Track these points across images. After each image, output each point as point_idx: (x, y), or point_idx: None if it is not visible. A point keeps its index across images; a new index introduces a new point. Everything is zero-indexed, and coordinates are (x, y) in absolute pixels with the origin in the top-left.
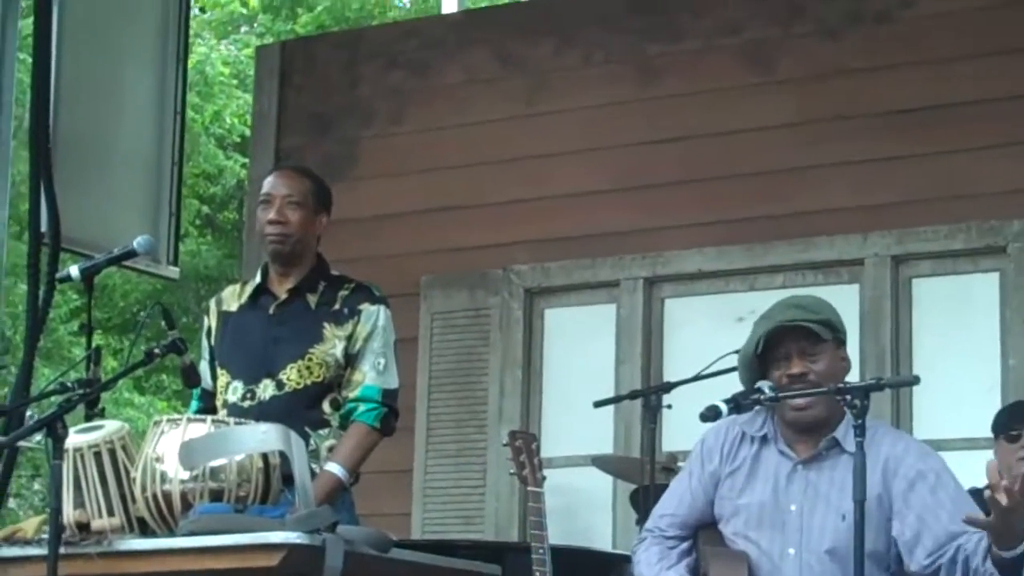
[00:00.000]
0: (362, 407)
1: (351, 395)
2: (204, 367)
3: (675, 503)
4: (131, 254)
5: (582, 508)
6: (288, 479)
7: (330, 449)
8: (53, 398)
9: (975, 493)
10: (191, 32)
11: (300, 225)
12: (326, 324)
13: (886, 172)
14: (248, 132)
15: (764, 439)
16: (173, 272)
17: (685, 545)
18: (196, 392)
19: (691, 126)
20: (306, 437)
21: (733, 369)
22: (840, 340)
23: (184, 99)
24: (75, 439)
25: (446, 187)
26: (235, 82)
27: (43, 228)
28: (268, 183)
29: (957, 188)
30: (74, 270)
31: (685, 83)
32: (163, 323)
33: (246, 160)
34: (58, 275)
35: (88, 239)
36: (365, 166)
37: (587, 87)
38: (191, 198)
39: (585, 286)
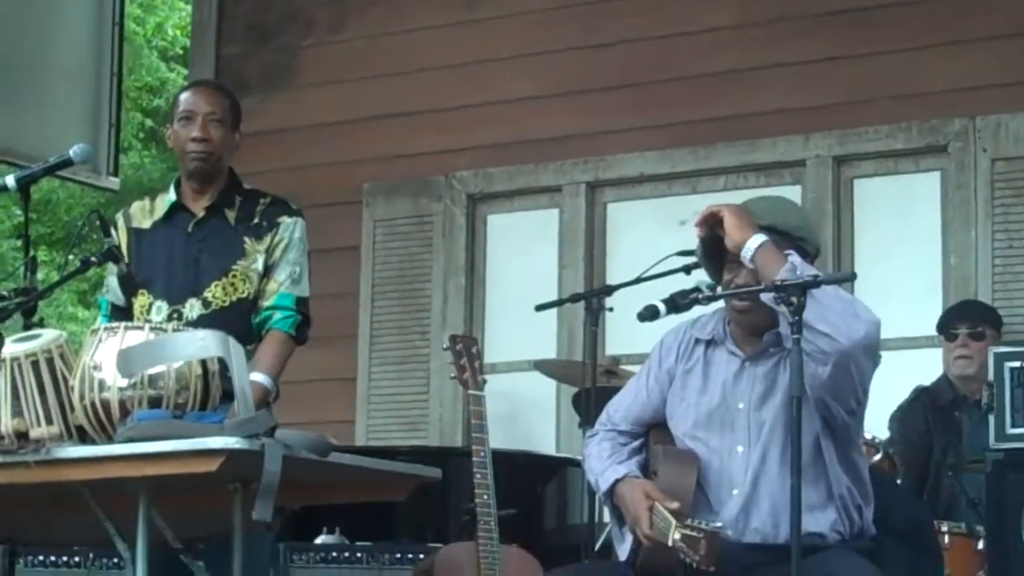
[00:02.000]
0: (278, 315)
1: (266, 303)
2: (112, 281)
3: (630, 398)
4: (67, 163)
5: (525, 412)
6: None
7: None
8: None
9: (921, 391)
10: None
11: (221, 142)
12: (246, 239)
13: (827, 73)
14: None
15: (714, 341)
16: (113, 183)
17: (636, 443)
18: (104, 306)
19: (632, 30)
20: None
21: (675, 271)
22: (798, 247)
23: (123, 9)
24: (12, 348)
25: (387, 95)
26: None
27: None
28: (188, 100)
29: (897, 88)
30: (10, 179)
31: None
32: (101, 233)
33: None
34: None
35: (26, 151)
36: (305, 75)
37: None
38: (134, 111)
39: (527, 191)
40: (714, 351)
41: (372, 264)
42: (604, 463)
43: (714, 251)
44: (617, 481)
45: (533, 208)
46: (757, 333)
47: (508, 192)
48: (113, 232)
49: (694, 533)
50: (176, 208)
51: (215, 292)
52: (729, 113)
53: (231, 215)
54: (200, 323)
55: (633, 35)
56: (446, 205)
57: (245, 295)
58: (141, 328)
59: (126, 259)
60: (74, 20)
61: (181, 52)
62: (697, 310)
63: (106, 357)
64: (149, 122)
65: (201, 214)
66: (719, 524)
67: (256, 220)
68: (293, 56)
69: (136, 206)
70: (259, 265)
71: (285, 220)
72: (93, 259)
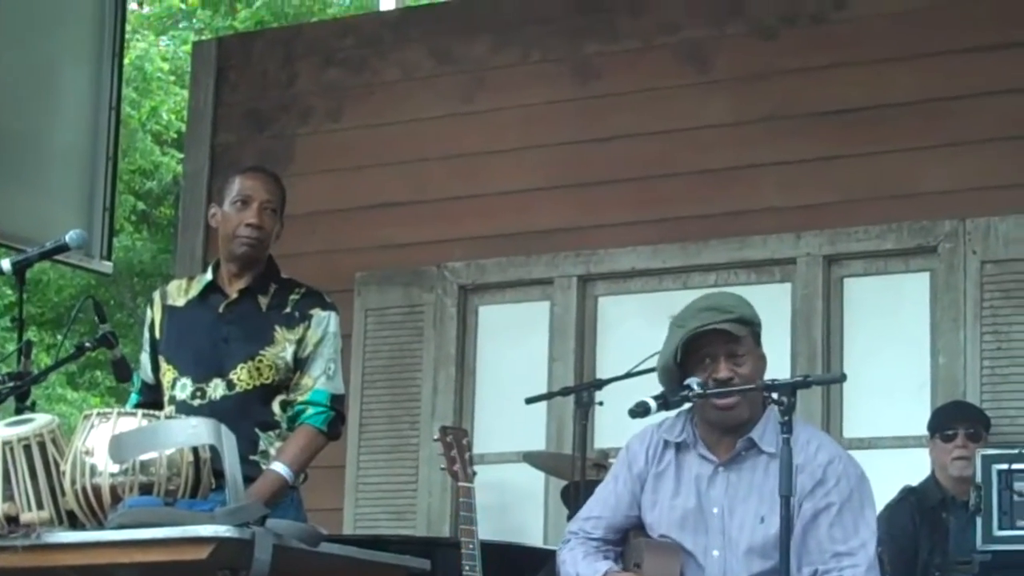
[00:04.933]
0: (311, 410)
1: (300, 398)
2: (145, 359)
3: (600, 506)
4: (63, 248)
5: (514, 504)
6: (219, 474)
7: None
8: None
9: (909, 491)
10: (130, 28)
11: (271, 231)
12: (277, 327)
13: (819, 172)
14: (184, 129)
15: (684, 444)
16: (106, 267)
17: (608, 549)
18: (136, 385)
19: (627, 125)
20: (256, 438)
21: None
22: (756, 334)
23: (119, 94)
24: (4, 432)
25: (382, 184)
26: (173, 78)
27: None
28: (247, 185)
29: (889, 188)
30: (5, 263)
31: (622, 82)
32: (95, 317)
33: (182, 156)
34: None
35: (21, 234)
36: (301, 163)
37: (524, 85)
38: (127, 194)
39: (519, 283)
40: (685, 455)
41: (363, 353)
42: (580, 564)
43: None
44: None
45: (524, 300)
46: (729, 433)
47: (500, 284)
48: (103, 318)
49: None
50: (211, 288)
51: (240, 375)
52: (721, 210)
53: (264, 301)
54: (223, 404)
55: (629, 131)
56: (438, 295)
57: (270, 381)
58: (133, 414)
59: (119, 345)
60: (71, 103)
61: (175, 136)
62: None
63: (98, 442)
64: (141, 205)
65: (234, 296)
66: None
67: (288, 309)
68: (289, 143)
69: (173, 284)
70: (287, 355)
71: (319, 313)
72: (87, 344)
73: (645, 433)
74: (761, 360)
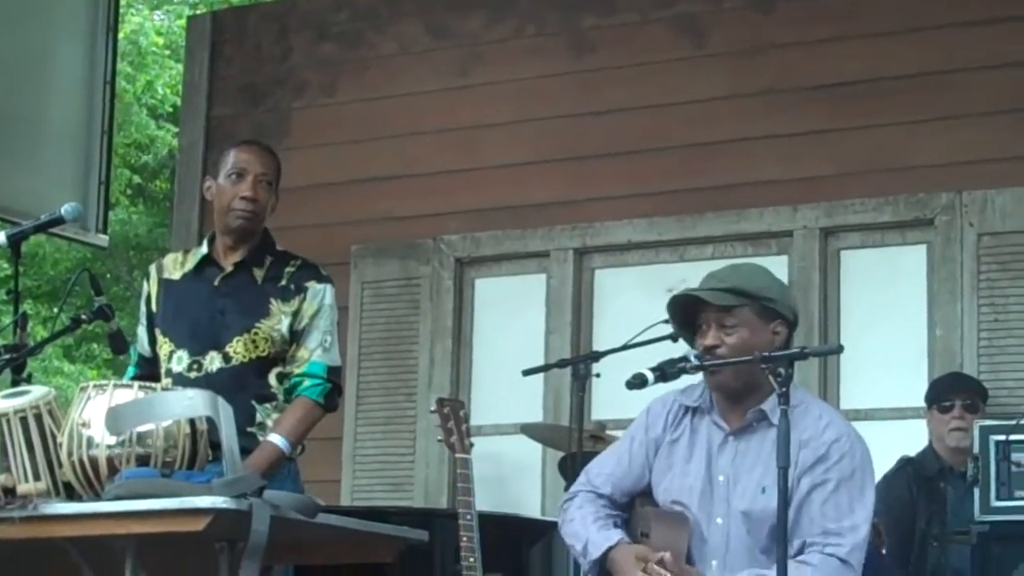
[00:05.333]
0: (307, 382)
1: (297, 370)
2: (141, 332)
3: (613, 462)
4: (58, 221)
5: (511, 476)
6: (216, 446)
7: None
8: None
9: (906, 461)
10: (124, 2)
11: (266, 204)
12: (272, 299)
13: (815, 145)
14: (180, 103)
15: (701, 410)
16: (102, 240)
17: (617, 512)
18: (133, 358)
19: (623, 98)
20: (253, 410)
21: (662, 339)
22: (767, 308)
23: (114, 69)
24: (1, 404)
25: (377, 157)
26: (168, 52)
27: None
28: (241, 158)
29: (885, 161)
30: (0, 236)
31: (617, 56)
32: (91, 290)
33: (177, 130)
34: None
35: (17, 207)
36: (296, 136)
37: (519, 59)
38: (122, 168)
39: (515, 256)
40: (700, 420)
41: (359, 325)
42: (590, 528)
43: (686, 321)
44: (611, 548)
45: (521, 273)
46: (738, 402)
47: (496, 256)
48: (99, 290)
49: None
50: (206, 261)
51: (236, 347)
52: (718, 183)
53: (259, 273)
54: (220, 375)
55: (624, 104)
56: (434, 268)
57: (266, 354)
58: (130, 386)
59: (116, 318)
60: (66, 77)
61: (171, 110)
62: (685, 378)
63: (95, 414)
64: (137, 179)
65: (229, 269)
66: None
67: (284, 282)
68: (284, 117)
69: (169, 257)
70: (283, 327)
71: (314, 286)
72: (83, 317)
73: (667, 398)
74: (774, 335)
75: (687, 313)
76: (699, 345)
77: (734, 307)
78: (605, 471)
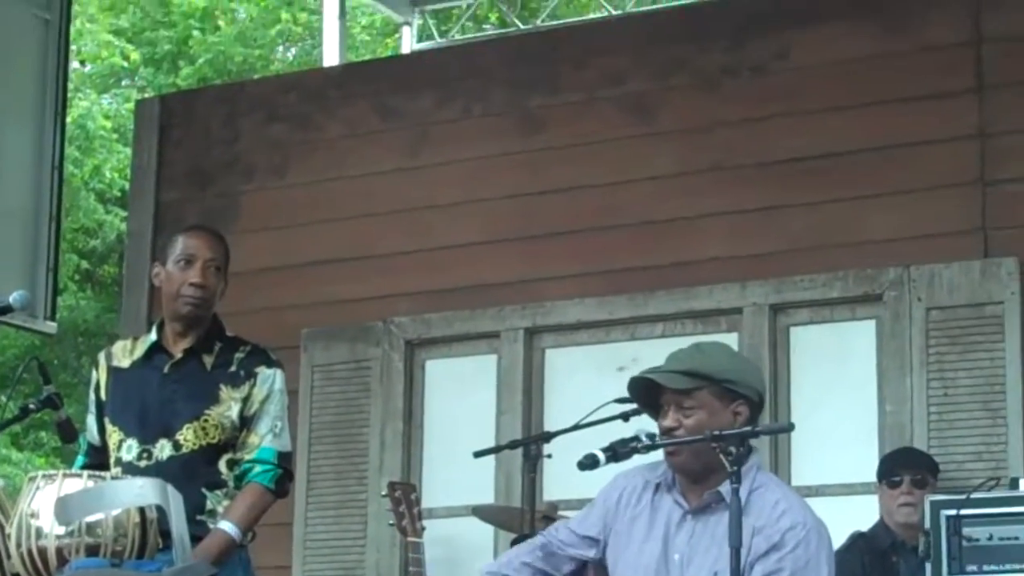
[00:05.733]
0: (258, 468)
1: (247, 456)
2: (91, 421)
3: (579, 518)
4: (7, 309)
5: (464, 558)
6: (166, 535)
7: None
8: None
9: (858, 536)
10: (72, 86)
11: (215, 289)
12: (222, 386)
13: (764, 221)
14: (128, 187)
15: (663, 486)
16: (50, 327)
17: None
18: (83, 447)
19: (572, 177)
20: (203, 497)
21: (613, 418)
22: (726, 389)
23: (63, 153)
24: None
25: (327, 240)
26: (116, 136)
27: None
28: (190, 243)
29: (834, 237)
30: None
31: (566, 135)
32: (40, 378)
33: (126, 214)
34: None
35: None
36: (246, 219)
37: (468, 139)
38: (70, 252)
39: (466, 337)
40: (662, 497)
41: (310, 409)
42: (498, 562)
43: (649, 401)
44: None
45: (471, 354)
46: (698, 482)
47: (446, 338)
48: (48, 379)
49: None
50: (155, 349)
51: (187, 435)
52: (667, 261)
53: (208, 360)
54: (170, 464)
55: (573, 182)
56: (384, 350)
57: (216, 440)
58: (79, 475)
59: (64, 407)
60: (13, 162)
61: (119, 194)
62: (638, 457)
63: (44, 504)
64: (85, 264)
65: (179, 356)
66: None
67: (234, 368)
68: (233, 201)
69: (118, 345)
70: (233, 413)
71: (264, 371)
72: (32, 406)
73: (630, 473)
74: (735, 416)
75: (649, 393)
76: (659, 426)
77: (692, 390)
78: (572, 522)
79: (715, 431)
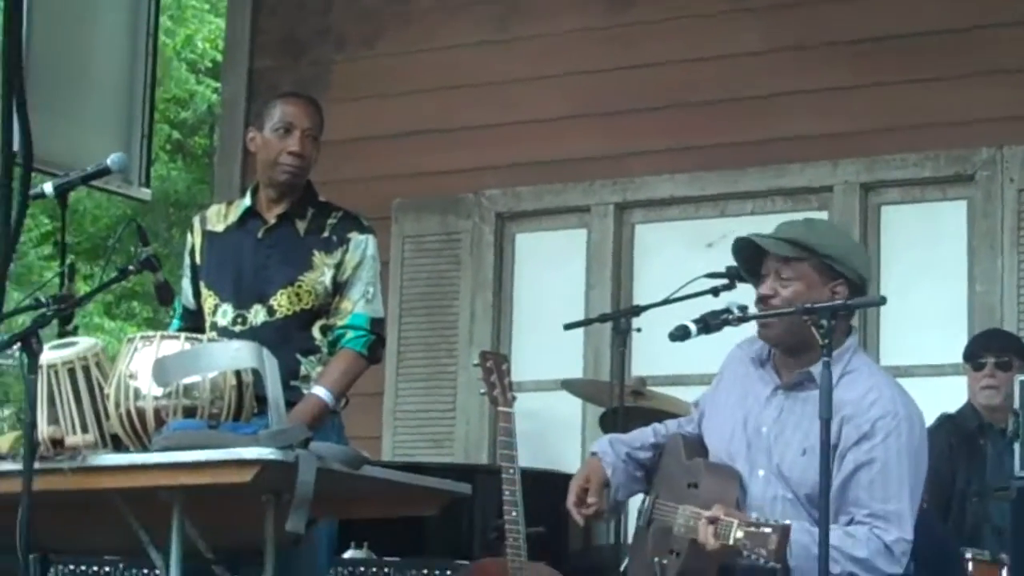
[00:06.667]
0: (351, 334)
1: (340, 322)
2: (186, 284)
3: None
4: (105, 171)
5: (552, 431)
6: (261, 399)
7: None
8: (26, 315)
9: (945, 418)
10: None
11: (312, 158)
12: (315, 251)
13: (855, 100)
14: (220, 57)
15: (759, 361)
16: (145, 193)
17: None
18: (177, 310)
19: (662, 53)
20: (297, 363)
21: (703, 293)
22: (826, 265)
23: (157, 22)
24: (49, 355)
25: (418, 111)
26: (207, 7)
27: (15, 148)
28: (289, 111)
29: (926, 117)
30: (48, 187)
31: (655, 10)
32: (136, 243)
33: (217, 85)
34: (31, 192)
35: (61, 161)
36: (338, 89)
37: (559, 13)
38: (162, 123)
39: (556, 211)
40: (756, 371)
41: (400, 280)
42: (617, 441)
43: (753, 269)
44: (592, 453)
45: (561, 228)
46: (793, 356)
47: (536, 211)
48: (146, 241)
49: (761, 529)
50: (250, 214)
51: (280, 300)
52: (758, 138)
53: (301, 226)
54: (264, 329)
55: (663, 58)
56: (475, 223)
57: (309, 306)
58: (176, 338)
59: (162, 269)
60: (109, 31)
61: (210, 65)
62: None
63: (142, 366)
64: (176, 134)
65: (273, 221)
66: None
67: (326, 234)
68: (326, 70)
69: (212, 209)
70: (326, 279)
71: (356, 236)
72: (131, 267)
73: (741, 344)
74: (832, 293)
75: (753, 261)
76: (757, 294)
77: (792, 259)
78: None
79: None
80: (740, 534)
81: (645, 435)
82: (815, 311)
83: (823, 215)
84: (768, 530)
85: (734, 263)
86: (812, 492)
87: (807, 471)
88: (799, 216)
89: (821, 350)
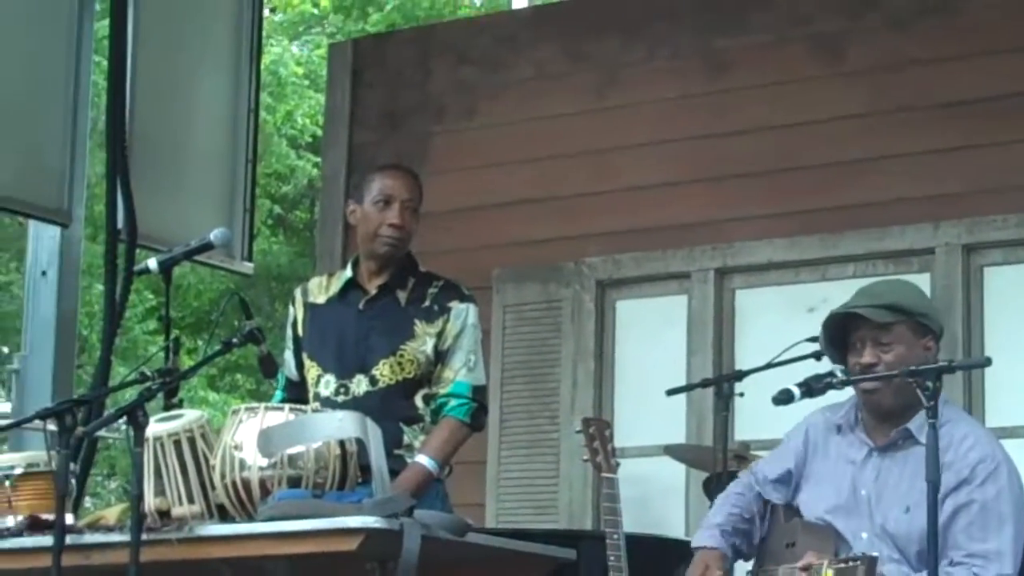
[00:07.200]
0: (453, 402)
1: (442, 391)
2: (289, 356)
3: (779, 456)
4: (208, 246)
5: (655, 497)
6: (365, 468)
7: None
8: (132, 389)
9: None
10: (264, 33)
11: (412, 230)
12: (417, 321)
13: (955, 162)
14: (319, 132)
15: (847, 426)
16: (247, 268)
17: (747, 527)
18: (280, 382)
19: (760, 118)
20: (400, 432)
21: (805, 357)
22: (920, 324)
23: (258, 97)
24: (155, 428)
25: (517, 181)
26: (307, 82)
27: (119, 225)
28: (388, 184)
29: None
30: (152, 262)
31: (753, 75)
32: (240, 315)
33: (317, 160)
34: (136, 267)
35: (164, 236)
36: (437, 161)
37: (655, 81)
38: (263, 197)
39: (656, 277)
40: (845, 437)
41: (502, 349)
42: (708, 520)
43: (835, 338)
44: (696, 549)
45: (662, 294)
46: (887, 419)
47: (637, 278)
48: (249, 314)
49: (849, 564)
50: (351, 285)
51: (383, 370)
52: (857, 201)
53: (402, 296)
54: (367, 399)
55: (761, 123)
56: (575, 291)
57: (412, 375)
58: (280, 409)
59: (266, 341)
60: (211, 107)
61: (310, 140)
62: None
63: (246, 437)
64: (277, 209)
65: (373, 292)
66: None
67: (427, 303)
68: (424, 143)
69: (314, 281)
70: (428, 348)
71: (457, 305)
72: (234, 340)
73: (817, 415)
74: (926, 351)
75: (837, 331)
76: (852, 363)
77: (891, 324)
78: (773, 460)
79: (911, 367)
80: (831, 572)
81: (747, 501)
82: (920, 373)
83: (925, 277)
84: (856, 563)
85: None
86: (920, 548)
87: (912, 527)
88: (901, 279)
89: (926, 410)
